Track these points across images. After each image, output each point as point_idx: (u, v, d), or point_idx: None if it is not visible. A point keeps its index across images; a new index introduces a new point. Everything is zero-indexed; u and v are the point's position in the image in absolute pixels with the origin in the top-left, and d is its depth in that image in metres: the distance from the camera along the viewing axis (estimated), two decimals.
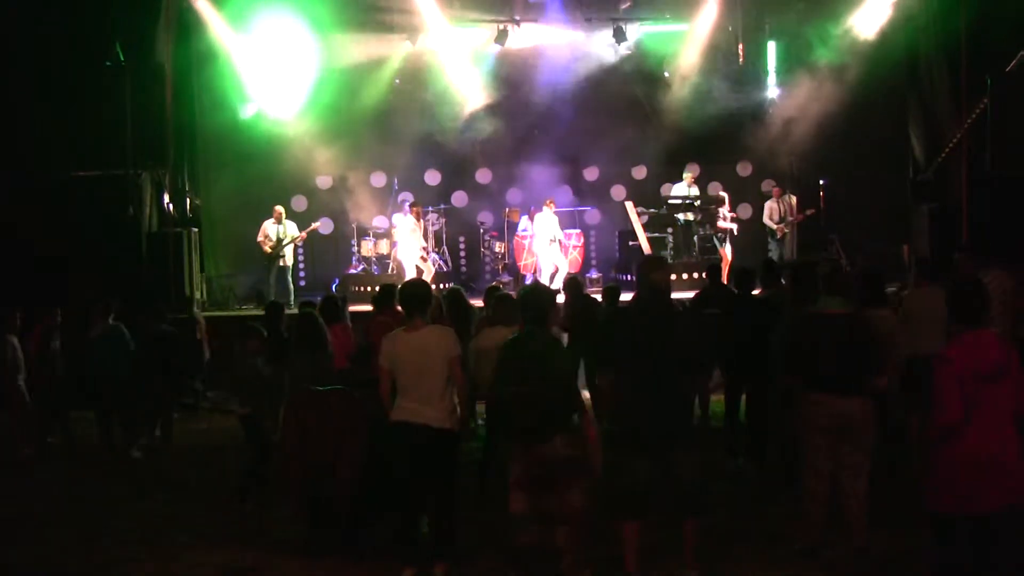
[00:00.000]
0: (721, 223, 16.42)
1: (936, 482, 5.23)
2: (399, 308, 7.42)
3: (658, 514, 6.16)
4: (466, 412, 6.63)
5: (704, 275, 12.03)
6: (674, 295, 11.88)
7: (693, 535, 6.14)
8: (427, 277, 15.55)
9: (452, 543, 6.49)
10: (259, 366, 8.42)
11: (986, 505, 5.13)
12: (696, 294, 11.21)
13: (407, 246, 15.87)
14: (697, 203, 16.84)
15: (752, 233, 17.52)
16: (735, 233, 16.43)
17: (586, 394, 11.00)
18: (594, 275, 17.47)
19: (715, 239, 16.48)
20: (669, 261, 16.61)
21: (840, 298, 6.65)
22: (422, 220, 16.09)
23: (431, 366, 6.33)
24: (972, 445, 5.12)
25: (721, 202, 16.56)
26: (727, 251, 16.23)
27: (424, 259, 16.04)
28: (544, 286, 8.00)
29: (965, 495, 5.14)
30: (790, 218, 16.90)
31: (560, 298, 9.63)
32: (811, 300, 7.00)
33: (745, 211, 18.48)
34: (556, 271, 16.29)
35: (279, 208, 16.05)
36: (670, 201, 17.00)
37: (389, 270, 16.53)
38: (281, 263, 15.84)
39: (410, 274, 15.53)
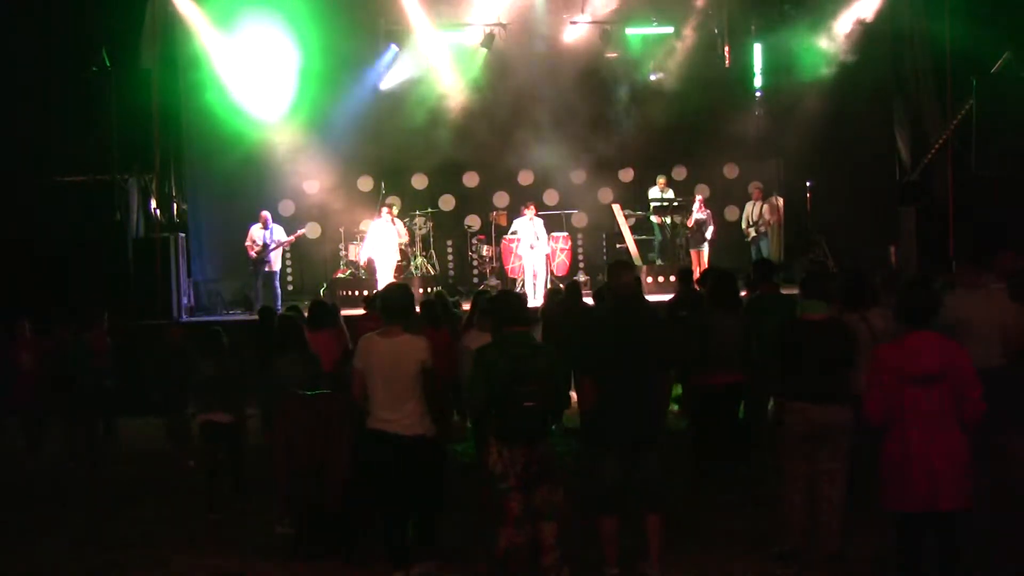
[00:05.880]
0: (697, 215, 16.52)
1: (880, 478, 5.38)
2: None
3: (627, 511, 6.23)
4: (451, 414, 6.65)
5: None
6: (655, 298, 12.02)
7: (656, 532, 6.21)
8: (389, 277, 15.56)
9: (432, 544, 6.58)
10: (232, 368, 8.42)
11: (907, 506, 5.21)
12: (672, 297, 11.25)
13: (370, 247, 15.95)
14: (676, 204, 16.92)
15: (738, 235, 17.55)
16: (706, 236, 16.50)
17: (574, 395, 11.14)
18: (581, 278, 17.46)
19: (688, 241, 16.57)
20: (659, 263, 16.70)
21: (821, 303, 6.64)
22: (393, 221, 16.04)
23: (401, 374, 6.33)
24: (895, 445, 5.20)
25: (691, 205, 16.66)
26: (700, 254, 16.29)
27: (398, 263, 15.98)
28: (512, 291, 8.01)
29: (890, 494, 5.24)
30: (761, 223, 16.91)
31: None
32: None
33: (732, 213, 18.51)
34: (536, 276, 16.30)
35: (265, 213, 15.99)
36: (655, 204, 17.06)
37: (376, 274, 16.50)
38: (267, 268, 15.79)
39: (382, 277, 15.52)
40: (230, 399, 8.37)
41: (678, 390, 8.96)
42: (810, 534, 6.53)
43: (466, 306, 9.91)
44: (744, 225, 17.14)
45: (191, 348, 10.07)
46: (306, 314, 9.84)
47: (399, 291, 6.85)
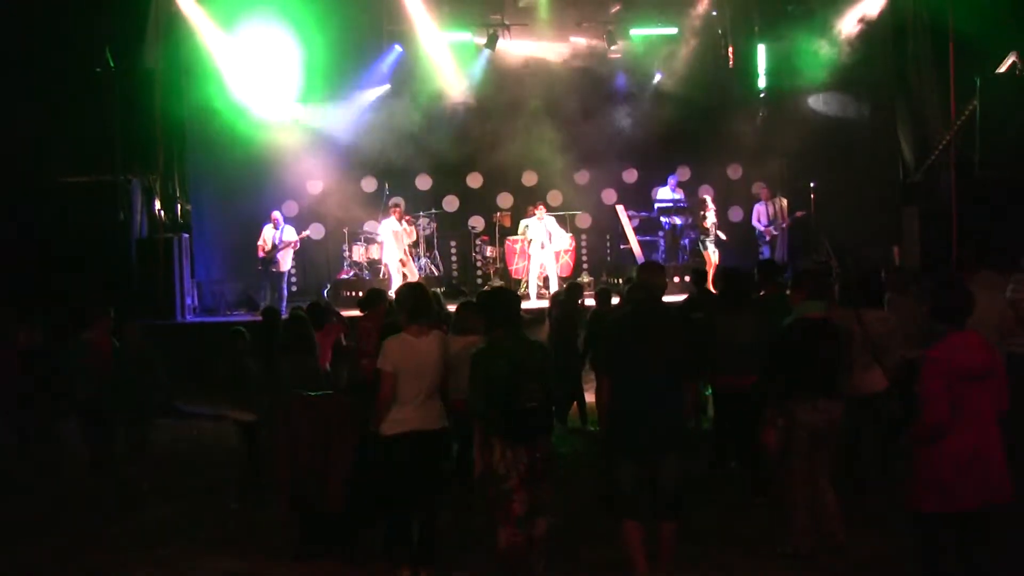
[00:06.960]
0: (707, 223, 16.44)
1: (919, 481, 5.28)
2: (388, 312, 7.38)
3: (645, 516, 6.16)
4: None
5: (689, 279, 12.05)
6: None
7: (669, 539, 6.12)
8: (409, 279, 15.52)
9: (433, 544, 6.54)
10: (250, 368, 8.42)
11: (969, 503, 5.17)
12: (685, 299, 11.21)
13: (391, 249, 15.91)
14: (683, 206, 16.91)
15: (742, 236, 17.54)
16: (721, 237, 16.42)
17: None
18: (585, 279, 17.45)
19: (699, 242, 16.51)
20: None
21: (819, 302, 6.71)
22: (403, 222, 16.04)
23: (431, 371, 6.36)
24: (955, 443, 5.16)
25: (703, 205, 16.56)
26: (711, 254, 16.23)
27: (404, 263, 15.94)
28: (506, 288, 7.91)
29: (948, 493, 5.18)
30: (779, 221, 16.90)
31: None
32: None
33: (736, 214, 18.51)
34: (546, 276, 16.29)
35: (276, 213, 16.06)
36: (659, 204, 17.04)
37: (380, 275, 16.50)
38: (275, 268, 15.80)
39: (395, 278, 15.52)
40: (255, 397, 8.38)
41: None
42: (814, 533, 6.54)
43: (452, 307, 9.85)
44: (761, 225, 17.08)
45: (155, 351, 9.90)
46: None
47: (418, 291, 6.81)
